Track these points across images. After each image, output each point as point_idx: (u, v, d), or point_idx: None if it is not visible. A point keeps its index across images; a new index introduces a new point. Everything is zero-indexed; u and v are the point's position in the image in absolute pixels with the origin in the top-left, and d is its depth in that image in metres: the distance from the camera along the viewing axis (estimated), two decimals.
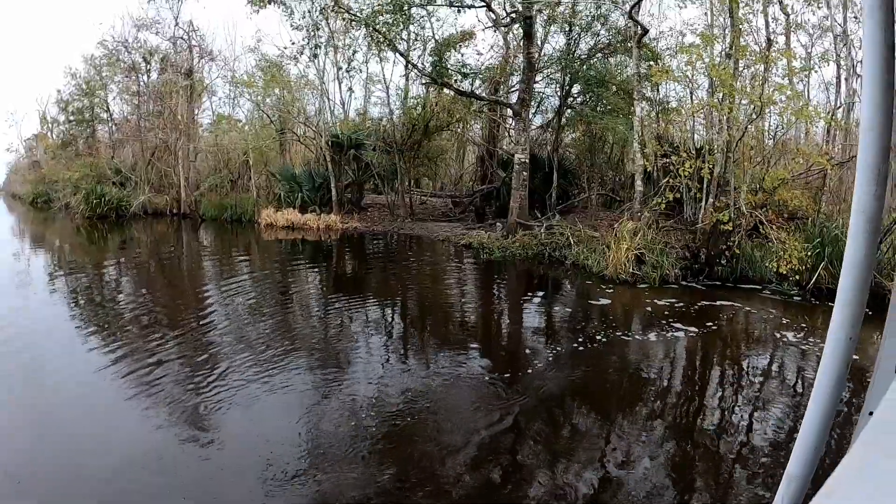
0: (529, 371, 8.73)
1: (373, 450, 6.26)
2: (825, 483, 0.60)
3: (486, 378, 8.42)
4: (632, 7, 18.59)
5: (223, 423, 6.82)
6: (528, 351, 10.00)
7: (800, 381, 8.55)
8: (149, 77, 35.66)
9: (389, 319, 12.11)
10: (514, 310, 13.16)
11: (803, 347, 9.95)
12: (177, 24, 32.54)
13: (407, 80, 29.21)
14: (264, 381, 7.99)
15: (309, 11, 21.68)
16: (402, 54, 22.12)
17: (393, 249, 21.27)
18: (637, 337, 10.77)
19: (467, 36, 23.96)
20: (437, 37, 23.04)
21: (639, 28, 18.84)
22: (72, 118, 40.76)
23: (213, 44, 34.38)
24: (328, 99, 28.42)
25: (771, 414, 7.31)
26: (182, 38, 32.82)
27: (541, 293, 14.83)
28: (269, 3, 20.58)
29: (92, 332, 10.50)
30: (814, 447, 1.24)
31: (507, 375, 8.49)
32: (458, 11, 21.70)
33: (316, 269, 17.86)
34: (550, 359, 9.38)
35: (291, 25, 22.72)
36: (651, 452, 6.30)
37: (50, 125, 45.47)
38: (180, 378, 8.11)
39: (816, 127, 20.46)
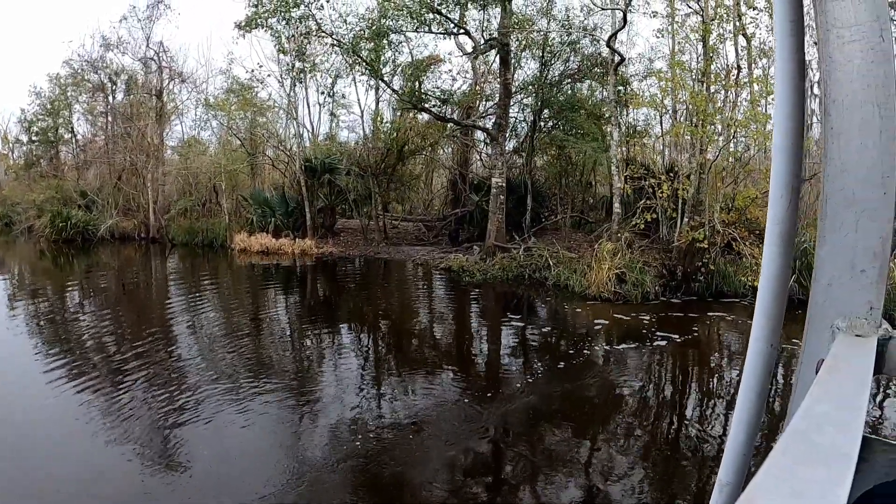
0: (543, 381, 8.99)
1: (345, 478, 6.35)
2: (745, 491, 0.64)
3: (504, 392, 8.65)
4: (610, 36, 19.13)
5: (191, 455, 6.78)
6: (535, 366, 10.25)
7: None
8: (114, 98, 35.32)
9: (383, 346, 12.27)
10: (505, 331, 13.37)
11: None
12: (148, 45, 32.38)
13: (377, 103, 29.42)
14: (236, 411, 7.92)
15: (294, 36, 21.84)
16: (384, 81, 22.33)
17: (373, 274, 21.28)
18: (632, 345, 11.52)
19: (434, 60, 24.30)
20: (412, 62, 23.38)
21: (616, 56, 19.32)
22: (35, 138, 39.98)
23: (184, 65, 34.18)
24: (298, 123, 28.42)
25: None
26: (153, 58, 32.64)
27: (528, 314, 15.12)
28: (257, 28, 20.65)
29: (55, 361, 10.29)
30: (742, 454, 1.31)
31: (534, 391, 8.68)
32: (442, 38, 22.08)
33: (300, 296, 17.89)
34: (564, 371, 9.68)
35: (279, 50, 22.91)
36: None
37: (11, 145, 44.61)
38: (145, 412, 7.95)
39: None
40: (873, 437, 1.06)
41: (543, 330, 13.28)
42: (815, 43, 1.18)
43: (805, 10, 1.26)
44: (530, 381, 9.48)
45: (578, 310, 14.72)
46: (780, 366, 9.91)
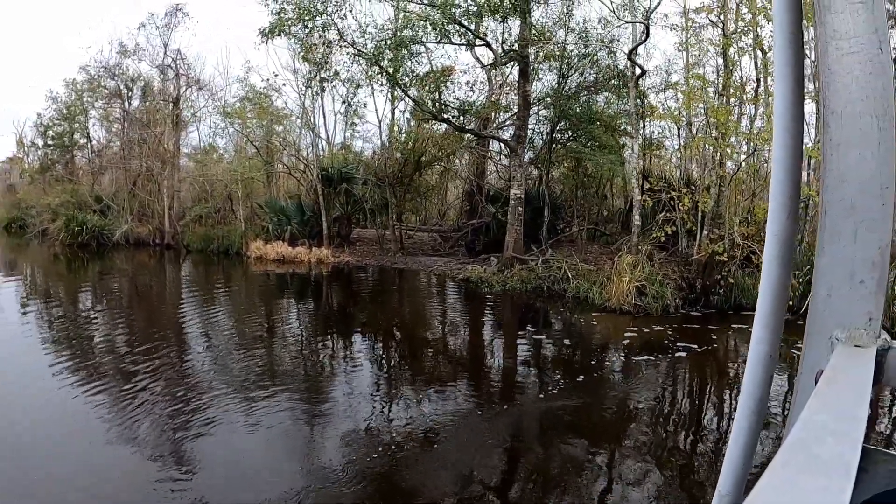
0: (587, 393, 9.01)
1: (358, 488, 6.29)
2: (745, 502, 0.64)
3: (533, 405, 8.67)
4: (631, 49, 19.14)
5: (204, 463, 6.77)
6: (556, 378, 10.25)
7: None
8: (130, 104, 35.48)
9: (402, 357, 12.25)
10: (526, 343, 13.36)
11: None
12: (165, 53, 32.57)
13: (394, 114, 29.49)
14: (249, 421, 7.88)
15: (316, 45, 21.96)
16: (405, 91, 22.42)
17: (389, 283, 21.33)
18: (654, 357, 11.56)
19: (448, 71, 24.37)
20: (431, 72, 23.46)
21: (636, 69, 19.36)
22: (51, 142, 40.16)
23: (201, 73, 34.40)
24: (315, 132, 28.49)
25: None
26: (170, 65, 32.83)
27: (549, 326, 15.16)
28: (279, 35, 20.79)
29: (63, 363, 10.34)
30: (742, 465, 1.29)
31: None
32: (463, 49, 22.23)
33: (316, 304, 17.96)
34: (584, 384, 9.71)
35: (302, 58, 23.09)
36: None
37: (27, 149, 44.85)
38: (158, 418, 7.92)
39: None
40: (873, 447, 1.06)
41: (565, 342, 13.29)
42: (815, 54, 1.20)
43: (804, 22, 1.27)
44: (554, 392, 9.47)
45: (599, 322, 14.74)
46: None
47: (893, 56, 1.15)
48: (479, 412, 8.56)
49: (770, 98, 18.40)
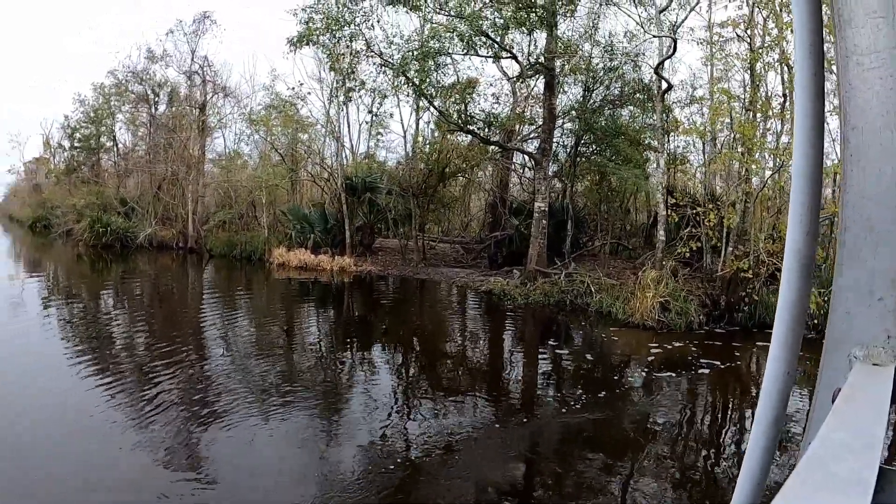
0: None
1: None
2: None
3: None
4: (658, 63, 19.10)
5: (218, 467, 6.77)
6: (578, 393, 10.22)
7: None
8: (156, 109, 35.88)
9: (430, 368, 12.20)
10: (548, 357, 13.34)
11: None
12: (193, 59, 32.91)
13: (418, 124, 29.59)
14: (267, 427, 7.87)
15: (343, 54, 22.11)
16: (431, 102, 22.51)
17: (411, 293, 21.34)
18: (677, 374, 11.52)
19: (473, 83, 24.42)
20: (456, 83, 23.55)
21: (663, 83, 19.32)
22: (77, 145, 40.70)
23: (228, 80, 34.76)
24: (337, 141, 28.59)
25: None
26: (196, 72, 33.15)
27: (572, 340, 15.11)
28: (308, 44, 21.00)
29: (84, 362, 10.47)
30: (757, 482, 1.26)
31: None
32: (491, 61, 22.35)
33: (337, 312, 18.01)
34: (606, 400, 9.69)
35: (330, 67, 23.29)
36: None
37: (53, 150, 45.46)
38: (175, 420, 7.94)
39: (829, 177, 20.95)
40: (891, 467, 1.01)
41: (587, 356, 13.24)
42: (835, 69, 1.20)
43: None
44: (576, 407, 9.45)
45: (622, 337, 14.68)
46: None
47: None
48: (499, 425, 8.55)
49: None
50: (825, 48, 1.23)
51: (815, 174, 1.19)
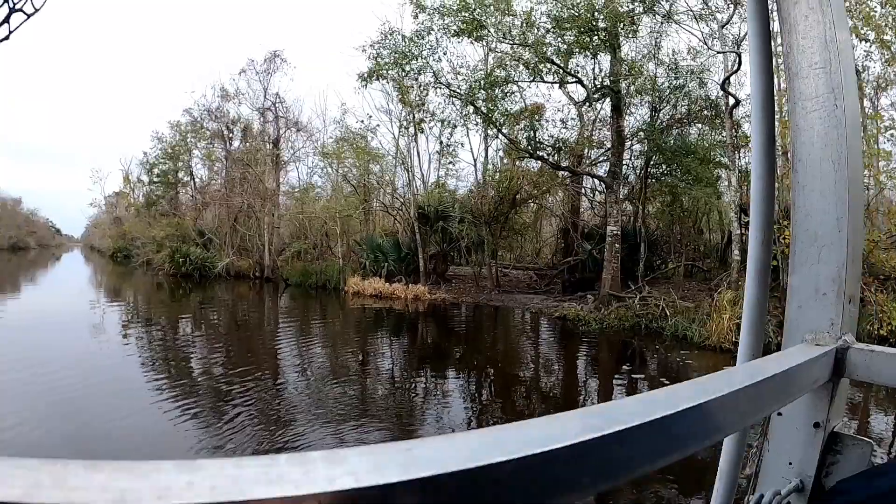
0: None
1: None
2: None
3: None
4: (724, 79, 18.92)
5: None
6: None
7: None
8: (231, 144, 37.00)
9: (503, 395, 12.20)
10: (624, 382, 13.25)
11: None
12: (265, 97, 33.91)
13: (487, 152, 29.76)
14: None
15: (412, 86, 22.57)
16: (500, 130, 22.74)
17: (486, 321, 21.36)
18: None
19: (539, 109, 24.51)
20: (524, 109, 23.72)
21: (730, 99, 19.09)
22: (156, 179, 42.28)
23: (300, 115, 35.73)
24: (410, 171, 28.96)
25: None
26: (269, 108, 34.12)
27: (647, 365, 14.96)
28: (378, 79, 21.53)
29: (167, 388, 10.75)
30: (732, 477, 1.48)
31: None
32: (556, 86, 22.49)
33: (412, 340, 18.20)
34: None
35: (400, 100, 23.85)
36: None
37: (133, 185, 47.26)
38: (248, 438, 8.26)
39: None
40: (844, 432, 1.31)
41: (663, 381, 13.12)
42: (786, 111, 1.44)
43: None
44: None
45: (698, 361, 14.46)
46: None
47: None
48: None
49: (877, 121, 17.81)
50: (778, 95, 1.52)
51: (769, 197, 1.47)
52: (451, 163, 30.67)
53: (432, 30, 20.70)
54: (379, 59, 20.98)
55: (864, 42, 17.43)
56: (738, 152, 21.78)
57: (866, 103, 19.46)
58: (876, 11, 16.28)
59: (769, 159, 1.46)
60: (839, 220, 1.33)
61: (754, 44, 1.48)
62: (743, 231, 17.88)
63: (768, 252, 1.48)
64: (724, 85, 19.01)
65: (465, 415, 10.52)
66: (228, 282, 30.89)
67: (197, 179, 40.45)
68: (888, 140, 17.06)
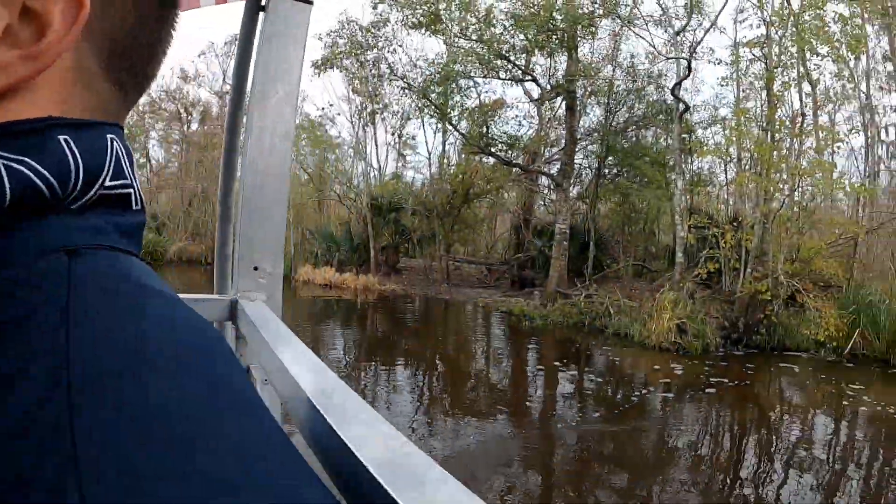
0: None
1: None
2: None
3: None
4: (674, 85, 19.22)
5: None
6: (588, 413, 10.41)
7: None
8: (189, 127, 36.61)
9: (439, 384, 12.49)
10: (562, 377, 13.47)
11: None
12: (224, 80, 33.59)
13: (444, 146, 29.80)
14: None
15: (367, 77, 22.56)
16: (452, 124, 22.83)
17: (434, 313, 21.56)
18: (690, 397, 11.63)
19: (499, 104, 24.65)
20: (479, 106, 23.84)
21: (681, 105, 19.40)
22: None
23: None
24: (366, 162, 28.96)
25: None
26: (227, 92, 33.75)
27: (586, 361, 15.21)
28: (331, 68, 21.47)
29: None
30: None
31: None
32: (510, 84, 22.65)
33: (361, 330, 18.31)
34: (618, 417, 9.86)
35: (353, 90, 23.84)
36: None
37: None
38: None
39: (847, 196, 20.81)
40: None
41: (600, 378, 13.38)
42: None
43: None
44: (572, 424, 9.67)
45: (637, 359, 14.75)
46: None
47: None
48: (512, 439, 8.82)
49: (818, 132, 18.29)
50: None
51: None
52: (400, 154, 30.75)
53: (388, 21, 20.81)
54: (334, 48, 20.97)
55: (815, 56, 17.87)
56: (691, 156, 22.17)
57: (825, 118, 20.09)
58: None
59: None
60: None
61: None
62: (687, 234, 18.17)
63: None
64: (675, 90, 19.30)
65: (414, 406, 10.72)
66: (180, 267, 30.53)
67: (153, 161, 39.91)
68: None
